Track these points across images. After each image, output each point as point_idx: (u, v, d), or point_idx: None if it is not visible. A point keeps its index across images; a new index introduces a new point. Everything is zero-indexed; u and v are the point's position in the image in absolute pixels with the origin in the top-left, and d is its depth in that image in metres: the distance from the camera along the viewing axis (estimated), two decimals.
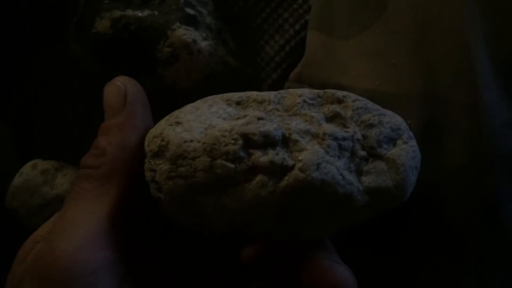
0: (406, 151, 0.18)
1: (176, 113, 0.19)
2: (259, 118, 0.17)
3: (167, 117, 0.19)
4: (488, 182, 0.25)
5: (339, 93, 0.19)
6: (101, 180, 0.18)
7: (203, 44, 0.34)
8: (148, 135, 0.19)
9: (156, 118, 0.20)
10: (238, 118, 0.18)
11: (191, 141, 0.17)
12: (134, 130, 0.19)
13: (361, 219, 0.19)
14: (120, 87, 0.20)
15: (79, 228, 0.17)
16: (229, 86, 0.38)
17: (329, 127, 0.17)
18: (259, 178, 0.17)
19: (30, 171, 0.39)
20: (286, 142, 0.17)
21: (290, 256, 0.20)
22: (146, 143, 0.18)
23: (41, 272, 0.17)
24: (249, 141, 0.17)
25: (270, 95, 0.19)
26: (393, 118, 0.19)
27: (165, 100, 0.42)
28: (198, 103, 0.19)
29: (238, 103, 0.19)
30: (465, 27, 0.26)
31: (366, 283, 0.22)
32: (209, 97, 0.19)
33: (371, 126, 0.18)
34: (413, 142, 0.19)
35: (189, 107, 0.19)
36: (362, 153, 0.18)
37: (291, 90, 0.19)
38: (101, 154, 0.18)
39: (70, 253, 0.17)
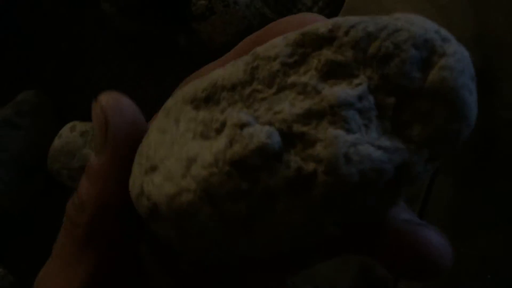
0: (449, 66, 0.12)
1: (144, 148, 0.15)
2: (243, 126, 0.13)
3: (137, 156, 0.15)
4: None
5: (323, 28, 0.13)
6: (81, 243, 0.17)
7: None
8: (130, 190, 0.15)
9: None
10: (217, 131, 0.13)
11: (179, 194, 0.13)
12: (116, 178, 0.16)
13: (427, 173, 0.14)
14: (100, 116, 0.16)
15: None
16: None
17: (332, 93, 0.13)
18: (281, 205, 0.13)
19: (69, 133, 0.39)
20: (290, 140, 0.13)
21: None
22: (133, 200, 0.15)
23: None
24: (245, 167, 0.13)
25: (238, 72, 0.14)
26: (411, 28, 0.13)
27: (199, 57, 0.41)
28: (161, 120, 0.15)
29: (207, 100, 0.14)
30: None
31: None
32: (171, 104, 0.15)
33: (387, 57, 0.13)
34: (452, 46, 0.13)
35: (154, 134, 0.15)
36: (391, 100, 0.13)
37: (259, 51, 0.14)
38: (80, 209, 0.17)
39: None
